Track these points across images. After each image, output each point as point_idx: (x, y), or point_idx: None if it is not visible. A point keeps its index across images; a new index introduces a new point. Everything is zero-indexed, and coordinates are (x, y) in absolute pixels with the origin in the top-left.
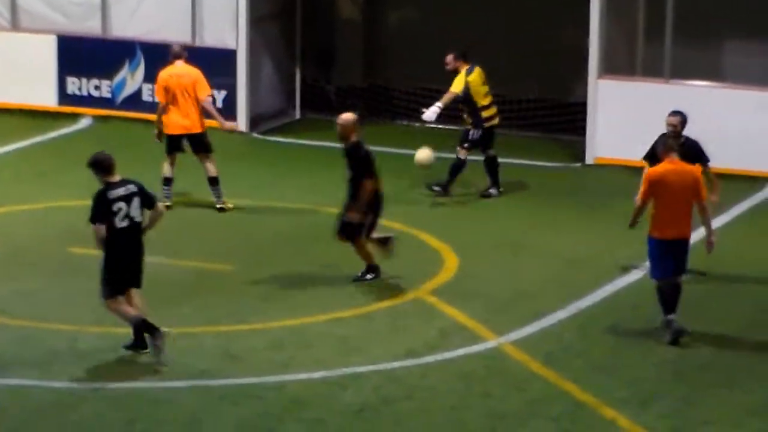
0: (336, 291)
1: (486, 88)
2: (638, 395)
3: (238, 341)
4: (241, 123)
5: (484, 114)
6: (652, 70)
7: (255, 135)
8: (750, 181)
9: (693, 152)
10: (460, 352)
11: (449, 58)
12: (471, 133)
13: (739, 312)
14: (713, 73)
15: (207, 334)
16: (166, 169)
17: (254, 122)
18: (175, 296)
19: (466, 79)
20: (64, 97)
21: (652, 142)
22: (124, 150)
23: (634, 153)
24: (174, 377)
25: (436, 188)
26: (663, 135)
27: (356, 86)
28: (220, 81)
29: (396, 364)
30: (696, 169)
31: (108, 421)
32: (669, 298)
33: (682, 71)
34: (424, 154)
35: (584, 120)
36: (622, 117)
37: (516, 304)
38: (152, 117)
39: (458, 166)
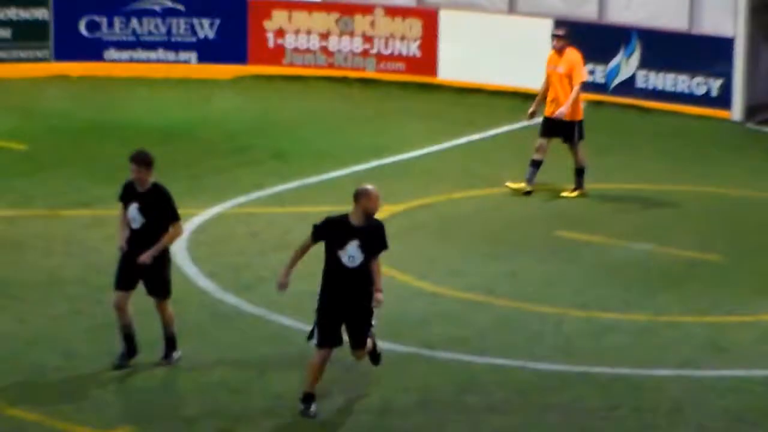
0: None
1: None
2: None
3: (725, 332)
4: (736, 112)
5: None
6: None
7: (749, 125)
8: None
9: None
10: None
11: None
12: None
13: None
14: None
15: (694, 324)
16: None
17: (750, 112)
18: (662, 284)
19: None
20: None
21: None
22: (613, 137)
23: None
24: (659, 365)
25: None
26: None
27: None
28: (716, 69)
29: None
30: None
31: (589, 405)
32: None
33: None
34: None
35: None
36: None
37: None
38: (646, 104)
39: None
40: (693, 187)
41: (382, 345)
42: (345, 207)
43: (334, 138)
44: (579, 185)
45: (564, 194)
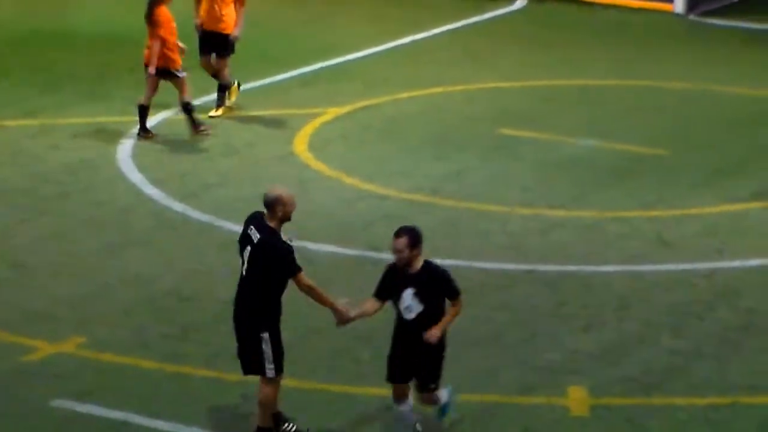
0: None
1: None
2: None
3: (670, 227)
4: (678, 4)
5: None
6: None
7: (691, 17)
8: None
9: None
10: None
11: None
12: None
13: None
14: None
15: (640, 219)
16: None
17: (692, 4)
18: (607, 180)
19: None
20: None
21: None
22: (555, 32)
23: None
24: (605, 262)
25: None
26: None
27: None
28: None
29: None
30: None
31: (538, 302)
32: None
33: None
34: None
35: None
36: None
37: None
38: None
39: None
40: (637, 81)
41: (331, 249)
42: (290, 111)
43: (280, 40)
44: (222, 102)
45: (211, 114)
